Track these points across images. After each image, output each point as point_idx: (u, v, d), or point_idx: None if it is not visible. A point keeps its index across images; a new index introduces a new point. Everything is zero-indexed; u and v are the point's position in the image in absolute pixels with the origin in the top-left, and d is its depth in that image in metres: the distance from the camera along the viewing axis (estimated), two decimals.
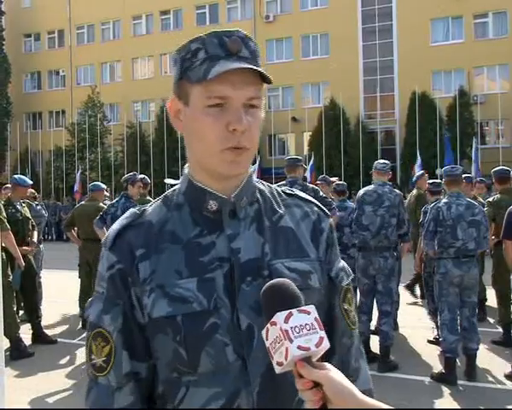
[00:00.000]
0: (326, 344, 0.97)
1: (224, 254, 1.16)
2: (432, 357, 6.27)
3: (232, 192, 1.19)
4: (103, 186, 8.57)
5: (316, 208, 1.31)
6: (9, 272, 6.43)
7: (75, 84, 39.43)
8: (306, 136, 31.47)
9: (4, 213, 6.28)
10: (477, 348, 5.58)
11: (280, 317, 0.96)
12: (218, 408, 1.12)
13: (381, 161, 6.39)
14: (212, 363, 1.12)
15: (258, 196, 1.25)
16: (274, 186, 1.32)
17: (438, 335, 6.42)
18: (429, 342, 6.82)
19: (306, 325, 0.96)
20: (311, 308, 0.98)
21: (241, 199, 1.20)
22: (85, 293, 7.99)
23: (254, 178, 1.27)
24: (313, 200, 1.34)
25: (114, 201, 7.41)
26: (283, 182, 6.06)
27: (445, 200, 5.73)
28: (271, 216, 1.24)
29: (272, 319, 0.97)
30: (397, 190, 6.30)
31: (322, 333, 0.97)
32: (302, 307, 0.98)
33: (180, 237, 1.18)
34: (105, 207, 7.89)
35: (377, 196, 6.02)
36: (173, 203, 1.23)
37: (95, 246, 7.66)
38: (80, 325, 7.91)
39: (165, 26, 37.29)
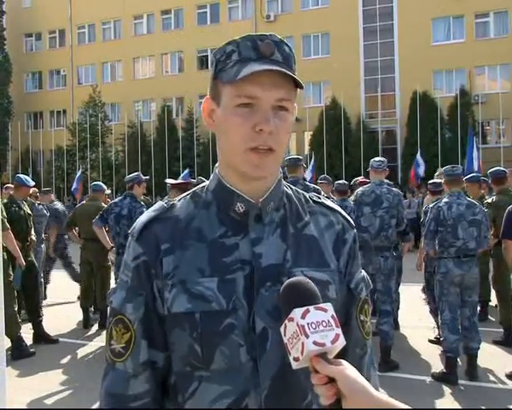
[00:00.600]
0: (342, 341, 0.99)
1: (247, 257, 1.18)
2: (433, 357, 6.27)
3: (260, 195, 1.21)
4: (105, 188, 8.57)
5: (341, 218, 1.32)
6: (10, 272, 6.44)
7: (76, 83, 39.42)
8: (307, 135, 31.44)
9: (4, 213, 6.28)
10: (478, 348, 5.58)
11: (297, 313, 0.99)
12: (225, 408, 1.14)
13: (377, 158, 6.27)
14: (225, 362, 1.14)
15: (285, 200, 1.27)
16: (302, 192, 1.33)
17: (439, 334, 6.42)
18: (430, 341, 6.82)
19: (323, 321, 0.99)
20: (328, 306, 1.02)
21: (268, 204, 1.22)
22: (86, 293, 8.01)
23: (283, 181, 1.28)
24: (339, 209, 1.34)
25: (117, 200, 7.34)
26: (283, 182, 6.04)
27: (445, 199, 5.72)
28: (296, 223, 1.26)
29: (290, 315, 1.00)
30: (394, 189, 6.20)
31: (339, 330, 0.99)
32: (319, 305, 1.01)
33: (205, 235, 1.20)
34: (105, 206, 7.86)
35: (375, 197, 5.95)
36: (202, 200, 1.25)
37: (95, 246, 7.68)
38: (82, 325, 7.92)
39: (166, 26, 37.26)
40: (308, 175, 22.02)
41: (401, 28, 30.88)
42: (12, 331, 6.24)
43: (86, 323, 7.83)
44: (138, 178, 7.32)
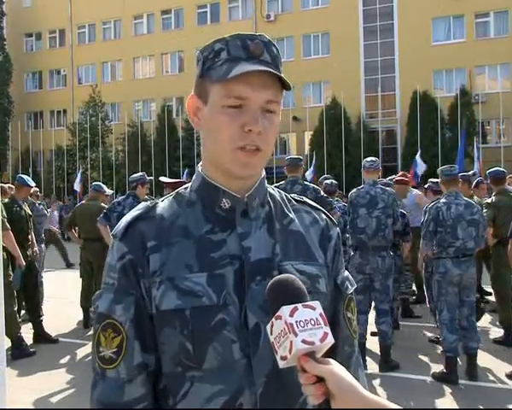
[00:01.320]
0: (330, 339, 0.97)
1: (235, 252, 1.16)
2: (433, 356, 6.27)
3: (245, 192, 1.20)
4: (106, 189, 8.50)
5: (324, 216, 1.33)
6: (10, 272, 6.43)
7: (76, 83, 39.45)
8: (308, 135, 31.47)
9: (5, 213, 6.28)
10: (477, 347, 5.59)
11: (285, 311, 0.97)
12: (219, 409, 1.11)
13: (369, 158, 6.19)
14: (217, 359, 1.12)
15: (269, 199, 1.27)
16: (284, 192, 1.34)
17: (439, 334, 6.43)
18: (430, 341, 6.82)
19: (311, 319, 0.97)
20: (316, 304, 1.00)
21: (253, 199, 1.21)
22: (86, 293, 7.99)
23: (266, 182, 1.28)
24: (321, 208, 1.36)
25: (120, 199, 7.34)
26: (283, 182, 6.04)
27: (443, 200, 5.71)
28: (282, 219, 1.25)
29: (277, 313, 0.98)
30: (388, 188, 6.16)
31: (327, 329, 0.98)
32: (307, 303, 0.99)
33: (191, 232, 1.18)
34: (106, 207, 7.85)
35: (370, 198, 5.89)
36: (185, 200, 1.24)
37: (96, 246, 7.66)
38: (82, 325, 7.92)
39: (166, 26, 37.29)
40: (309, 175, 22.05)
41: (401, 28, 30.90)
42: (12, 331, 6.23)
43: (86, 323, 7.83)
44: (142, 179, 7.34)
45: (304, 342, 0.95)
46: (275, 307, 0.99)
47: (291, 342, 0.95)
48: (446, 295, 5.57)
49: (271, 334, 0.99)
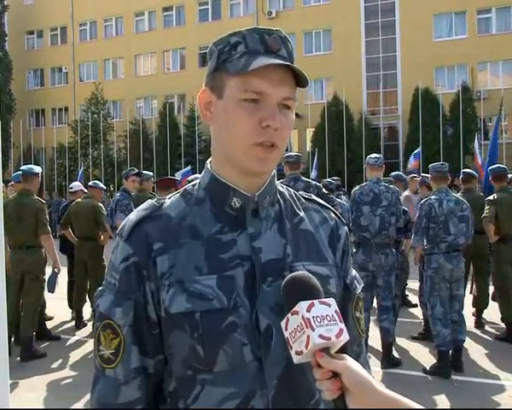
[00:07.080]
0: (345, 336, 0.98)
1: (246, 253, 1.14)
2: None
3: (255, 190, 1.18)
4: (102, 186, 8.38)
5: (333, 215, 1.32)
6: (46, 272, 6.53)
7: (78, 80, 39.45)
8: (309, 132, 31.44)
9: (47, 216, 6.27)
10: (465, 339, 5.77)
11: (302, 306, 0.98)
12: (232, 409, 1.10)
13: (373, 155, 6.18)
14: (228, 362, 1.10)
15: (279, 197, 1.25)
16: (292, 190, 1.32)
17: (423, 330, 6.67)
18: (413, 338, 6.81)
19: (327, 316, 0.98)
20: (331, 301, 1.01)
21: (264, 198, 1.19)
22: (79, 294, 7.93)
23: (276, 180, 1.26)
24: (330, 206, 1.34)
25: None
26: (283, 179, 6.01)
27: (434, 196, 5.76)
28: (292, 218, 1.24)
29: (294, 309, 0.98)
30: (392, 186, 6.16)
31: (342, 325, 0.99)
32: (323, 299, 1.00)
33: (200, 232, 1.16)
34: (101, 205, 7.84)
35: (374, 196, 5.90)
36: (193, 198, 1.21)
37: (91, 245, 7.64)
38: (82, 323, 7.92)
39: (167, 23, 37.27)
40: (313, 173, 22.02)
41: (403, 24, 30.84)
42: (26, 329, 6.28)
43: (78, 324, 7.75)
44: (126, 173, 7.60)
45: (321, 337, 0.95)
46: (290, 303, 1.00)
47: (308, 336, 0.96)
48: (440, 290, 5.67)
49: (286, 329, 0.99)
